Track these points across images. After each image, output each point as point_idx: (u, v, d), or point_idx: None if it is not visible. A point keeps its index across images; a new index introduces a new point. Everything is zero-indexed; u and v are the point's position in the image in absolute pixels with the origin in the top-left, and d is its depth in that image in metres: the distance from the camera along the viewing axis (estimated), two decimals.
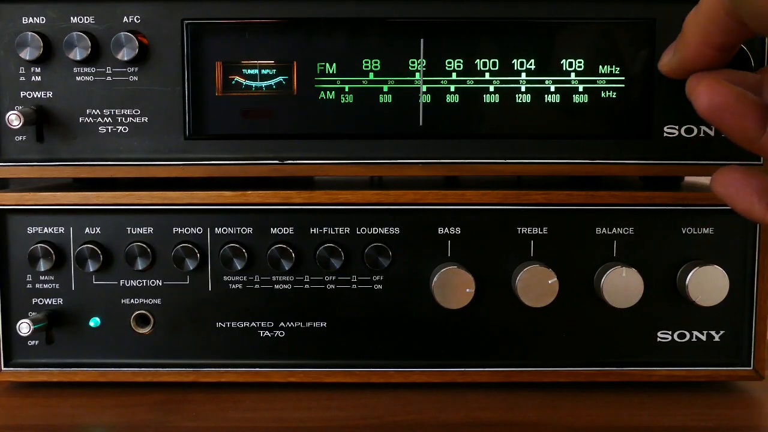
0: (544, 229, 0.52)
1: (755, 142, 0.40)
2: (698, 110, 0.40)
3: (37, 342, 0.53)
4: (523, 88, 0.51)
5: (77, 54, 0.49)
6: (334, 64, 0.51)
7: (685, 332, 0.53)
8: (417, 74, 0.51)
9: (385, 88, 0.51)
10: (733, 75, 0.41)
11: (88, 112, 0.51)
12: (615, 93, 0.51)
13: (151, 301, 0.53)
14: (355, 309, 0.53)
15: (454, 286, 0.50)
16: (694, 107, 0.41)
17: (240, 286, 0.52)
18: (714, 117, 0.40)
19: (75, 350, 0.53)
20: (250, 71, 0.51)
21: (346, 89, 0.51)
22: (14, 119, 0.48)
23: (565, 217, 0.52)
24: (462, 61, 0.51)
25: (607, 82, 0.51)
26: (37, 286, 0.52)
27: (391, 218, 0.52)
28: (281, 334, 0.53)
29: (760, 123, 0.39)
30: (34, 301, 0.53)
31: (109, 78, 0.50)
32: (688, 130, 0.51)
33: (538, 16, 0.50)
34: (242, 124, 0.51)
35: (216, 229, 0.52)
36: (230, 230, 0.52)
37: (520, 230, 0.52)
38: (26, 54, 0.49)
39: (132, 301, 0.53)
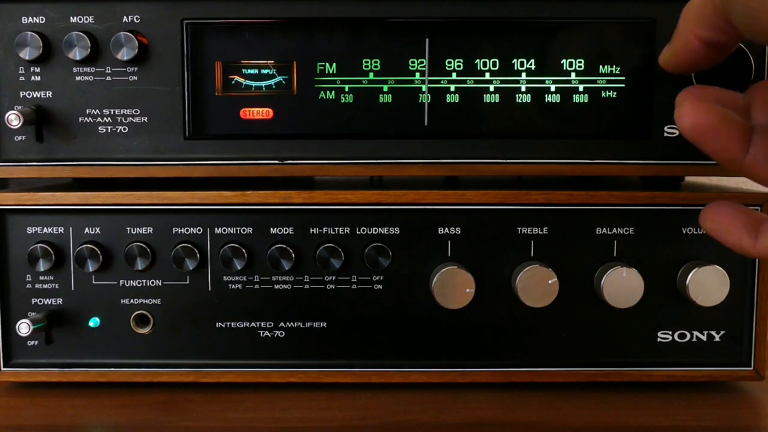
0: (544, 229, 0.52)
1: (737, 163, 0.39)
2: (681, 131, 0.40)
3: (36, 342, 0.53)
4: (523, 88, 0.51)
5: (77, 54, 0.49)
6: (334, 64, 0.51)
7: (686, 332, 0.53)
8: (417, 74, 0.51)
9: (385, 88, 0.51)
10: (720, 93, 0.41)
11: (87, 112, 0.51)
12: (615, 93, 0.51)
13: (150, 301, 0.53)
14: (355, 309, 0.53)
15: (454, 286, 0.50)
16: (677, 127, 0.40)
17: (240, 286, 0.52)
18: (697, 138, 0.39)
19: (75, 350, 0.53)
20: (250, 71, 0.51)
21: (346, 89, 0.51)
22: (14, 119, 0.48)
23: (565, 217, 0.52)
24: (462, 61, 0.50)
25: (607, 82, 0.51)
26: (37, 286, 0.52)
27: (391, 218, 0.52)
28: (281, 334, 0.53)
29: (743, 145, 0.39)
30: (33, 301, 0.52)
31: (108, 78, 0.50)
32: None
33: (538, 16, 0.50)
34: (242, 124, 0.51)
35: (216, 229, 0.52)
36: (230, 230, 0.52)
37: (520, 230, 0.52)
38: (26, 54, 0.49)
39: (132, 301, 0.53)
